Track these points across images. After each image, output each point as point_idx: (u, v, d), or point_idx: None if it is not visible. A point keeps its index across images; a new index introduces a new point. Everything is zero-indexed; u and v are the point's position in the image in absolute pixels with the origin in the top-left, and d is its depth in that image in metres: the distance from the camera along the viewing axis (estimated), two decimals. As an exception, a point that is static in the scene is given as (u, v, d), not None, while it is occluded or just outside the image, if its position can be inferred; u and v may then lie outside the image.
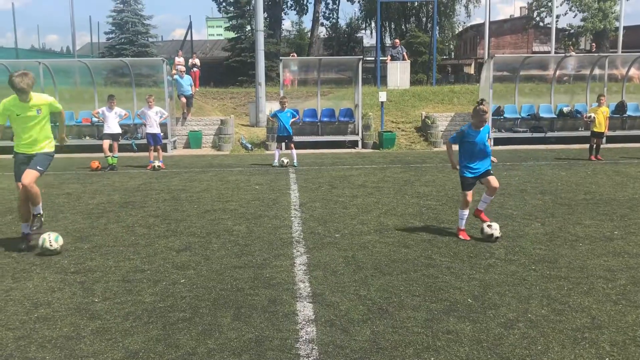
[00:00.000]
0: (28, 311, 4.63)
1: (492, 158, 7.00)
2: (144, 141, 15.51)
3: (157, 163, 13.81)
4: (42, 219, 6.86)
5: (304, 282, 5.27)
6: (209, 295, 4.94)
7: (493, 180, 6.83)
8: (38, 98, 6.41)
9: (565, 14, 37.89)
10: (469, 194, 6.83)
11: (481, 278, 5.33)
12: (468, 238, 6.77)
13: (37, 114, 6.38)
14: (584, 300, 4.75)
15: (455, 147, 7.03)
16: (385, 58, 26.98)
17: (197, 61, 27.18)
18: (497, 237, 6.57)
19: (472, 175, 6.80)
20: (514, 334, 4.10)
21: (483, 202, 7.03)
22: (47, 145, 6.61)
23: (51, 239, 6.24)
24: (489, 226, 6.64)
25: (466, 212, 6.88)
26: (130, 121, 17.87)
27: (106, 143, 13.85)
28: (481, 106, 6.63)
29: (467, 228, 6.99)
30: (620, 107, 19.91)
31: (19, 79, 6.08)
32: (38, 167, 6.43)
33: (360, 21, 50.28)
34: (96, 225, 7.71)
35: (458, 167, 6.92)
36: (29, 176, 6.33)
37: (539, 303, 4.69)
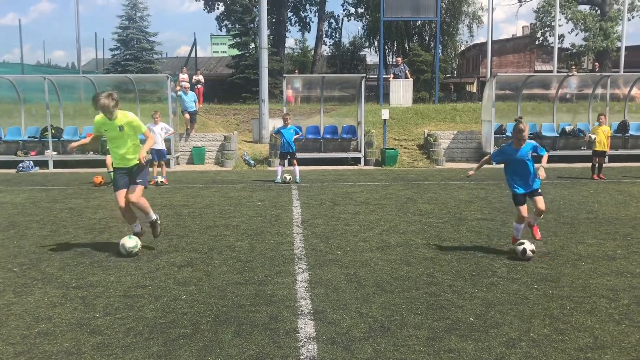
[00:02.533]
0: (29, 326, 4.63)
1: (541, 172, 6.76)
2: (148, 156, 15.56)
3: (160, 179, 13.85)
4: (159, 221, 7.32)
5: (305, 299, 5.26)
6: (210, 312, 4.93)
7: (539, 202, 6.85)
8: (122, 115, 6.81)
9: (570, 33, 38.03)
10: (522, 209, 6.83)
11: (483, 296, 5.32)
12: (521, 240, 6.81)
13: (120, 131, 6.79)
14: (587, 319, 4.73)
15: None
16: (388, 76, 27.14)
17: (201, 78, 27.37)
18: (528, 255, 6.53)
19: (521, 192, 6.84)
20: (516, 353, 4.07)
21: (533, 222, 7.17)
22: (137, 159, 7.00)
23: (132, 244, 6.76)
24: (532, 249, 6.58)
25: (521, 225, 6.93)
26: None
27: (109, 158, 13.88)
28: (519, 125, 6.69)
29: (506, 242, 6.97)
30: (623, 127, 19.96)
31: (102, 101, 6.52)
32: (138, 181, 6.97)
33: (363, 39, 50.69)
34: (98, 240, 7.71)
35: (471, 174, 7.12)
36: (136, 193, 6.93)
37: (541, 322, 4.67)
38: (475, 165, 7.21)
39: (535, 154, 6.85)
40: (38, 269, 6.27)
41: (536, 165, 6.86)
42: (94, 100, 6.58)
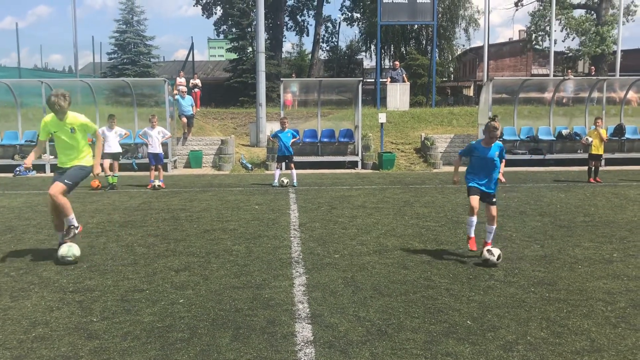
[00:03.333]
0: (26, 330, 4.62)
1: (500, 177, 6.99)
2: (145, 160, 15.57)
3: (157, 182, 13.83)
4: (76, 231, 6.93)
5: (302, 303, 5.26)
6: (207, 316, 4.93)
7: (493, 209, 6.84)
8: (73, 117, 6.78)
9: (564, 40, 38.15)
10: (473, 198, 6.80)
11: (480, 300, 5.33)
12: (475, 249, 6.81)
13: (71, 133, 6.74)
14: (584, 323, 4.74)
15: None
16: (385, 80, 27.20)
17: (198, 81, 27.39)
18: (493, 263, 6.47)
19: (476, 186, 6.81)
20: (513, 357, 4.08)
21: (488, 233, 6.93)
22: (83, 160, 6.93)
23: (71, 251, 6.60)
24: (488, 251, 6.56)
25: (473, 219, 6.92)
26: (131, 140, 17.95)
27: (107, 162, 13.87)
28: (492, 122, 6.66)
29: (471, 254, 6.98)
30: (619, 130, 20.03)
31: (54, 98, 6.49)
32: (66, 181, 6.76)
33: (360, 43, 50.70)
34: (95, 245, 7.70)
35: (456, 180, 7.01)
36: (55, 188, 6.70)
37: (538, 325, 4.68)
38: (455, 173, 7.18)
39: (499, 157, 6.84)
40: (35, 274, 6.26)
41: (501, 173, 7.04)
42: (47, 100, 6.59)
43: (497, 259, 6.45)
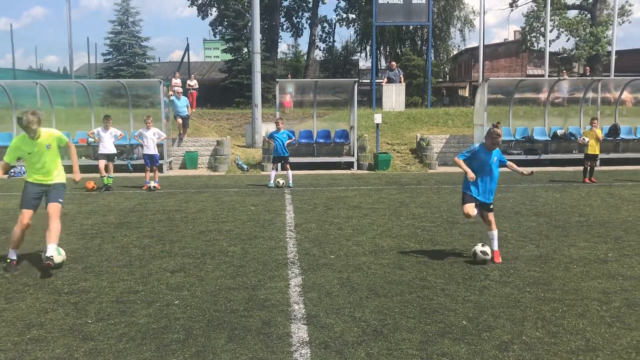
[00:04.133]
0: (20, 332, 4.60)
1: (524, 170, 6.99)
2: (140, 161, 15.53)
3: (152, 184, 13.80)
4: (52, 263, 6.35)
5: (298, 303, 5.26)
6: (203, 317, 4.92)
7: (490, 215, 6.80)
8: (46, 134, 6.52)
9: (554, 41, 38.08)
10: (467, 207, 6.72)
11: (476, 300, 5.33)
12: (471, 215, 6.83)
13: (47, 149, 6.53)
14: (579, 322, 4.75)
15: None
16: (381, 80, 27.23)
17: (194, 82, 27.36)
18: (482, 260, 6.52)
19: (474, 195, 6.74)
20: (508, 356, 4.09)
21: (491, 239, 6.84)
22: (59, 176, 6.75)
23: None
24: (483, 252, 6.57)
25: (471, 220, 6.88)
26: (126, 141, 17.91)
27: (102, 163, 13.83)
28: (495, 129, 6.63)
29: (462, 249, 6.99)
30: (614, 130, 20.10)
31: (26, 117, 6.22)
32: (59, 200, 6.64)
33: (355, 44, 50.75)
34: (90, 246, 7.68)
35: (473, 175, 6.75)
36: (55, 209, 6.56)
37: (533, 325, 4.69)
38: (467, 169, 7.13)
39: (499, 161, 6.81)
40: (29, 275, 6.24)
41: (521, 168, 7.03)
42: (18, 120, 6.32)
43: (484, 254, 6.54)
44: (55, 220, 6.52)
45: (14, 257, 6.54)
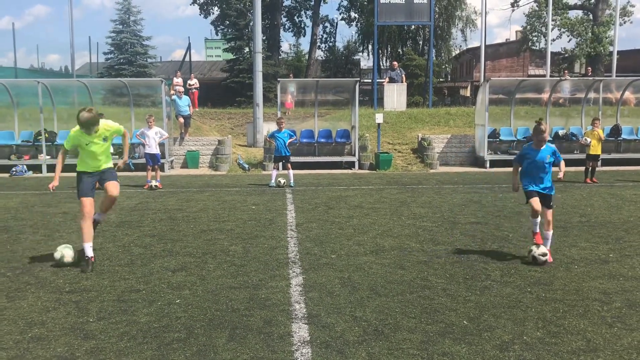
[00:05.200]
0: (22, 331, 4.61)
1: (561, 175, 7.05)
2: (142, 160, 15.54)
3: (154, 183, 13.81)
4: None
5: (299, 303, 5.26)
6: (204, 316, 4.93)
7: (549, 214, 6.82)
8: (104, 126, 6.62)
9: (554, 40, 37.96)
10: (534, 201, 6.76)
11: (477, 300, 5.33)
12: (541, 242, 6.84)
13: (104, 142, 6.67)
14: (580, 322, 4.75)
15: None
16: (383, 80, 27.22)
17: (195, 81, 27.38)
18: (534, 258, 6.52)
19: (535, 189, 6.81)
20: (509, 357, 4.09)
21: (545, 239, 6.84)
22: (108, 162, 6.89)
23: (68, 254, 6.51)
24: (538, 248, 6.59)
25: (537, 220, 6.94)
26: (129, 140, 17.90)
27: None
28: (539, 125, 6.69)
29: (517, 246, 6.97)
30: (615, 131, 20.09)
31: (86, 114, 6.30)
32: (116, 179, 6.86)
33: (357, 44, 50.78)
34: (92, 245, 7.67)
35: (517, 187, 6.84)
36: (116, 187, 6.79)
37: (534, 325, 4.69)
38: (514, 180, 7.12)
39: (553, 160, 6.84)
40: (31, 274, 6.25)
41: (554, 169, 7.01)
42: (77, 116, 6.32)
43: (543, 256, 6.53)
44: (115, 196, 6.77)
45: (91, 254, 6.51)
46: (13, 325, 4.74)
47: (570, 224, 9.08)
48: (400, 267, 6.50)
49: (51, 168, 17.95)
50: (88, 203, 6.55)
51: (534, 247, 6.65)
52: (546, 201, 6.86)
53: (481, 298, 5.39)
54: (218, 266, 6.55)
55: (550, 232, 6.86)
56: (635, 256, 6.98)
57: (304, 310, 5.07)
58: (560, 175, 7.05)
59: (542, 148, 6.78)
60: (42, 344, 4.33)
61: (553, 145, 6.98)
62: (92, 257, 6.48)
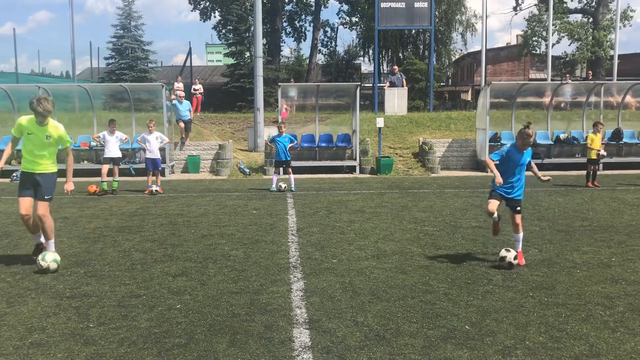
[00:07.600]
0: (22, 336, 4.59)
1: (543, 177, 7.00)
2: (142, 165, 15.53)
3: (154, 187, 13.80)
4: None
5: (300, 308, 5.24)
6: (204, 321, 4.91)
7: (517, 217, 6.83)
8: (53, 126, 6.64)
9: (554, 45, 37.92)
10: (492, 202, 6.77)
11: (479, 304, 5.31)
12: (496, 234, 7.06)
13: (47, 140, 6.62)
14: (582, 327, 4.73)
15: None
16: (383, 84, 27.22)
17: (199, 86, 27.41)
18: (509, 263, 6.50)
19: (502, 193, 6.79)
20: (511, 362, 4.07)
21: (516, 242, 6.90)
22: (50, 166, 6.82)
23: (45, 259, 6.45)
24: (507, 250, 6.60)
25: (495, 217, 6.92)
26: (129, 145, 17.92)
27: (105, 168, 13.86)
28: (527, 129, 6.68)
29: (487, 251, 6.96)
30: (617, 135, 20.07)
31: (43, 105, 6.36)
32: (45, 197, 6.72)
33: (358, 48, 50.85)
34: (92, 250, 7.67)
35: (501, 181, 6.76)
36: (44, 207, 6.65)
37: (536, 330, 4.66)
38: (496, 172, 7.05)
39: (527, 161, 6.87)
40: (31, 279, 6.23)
41: (540, 172, 7.03)
42: (30, 103, 6.39)
43: (512, 260, 6.51)
44: (41, 215, 6.62)
45: (38, 240, 6.82)
46: (13, 330, 4.72)
47: (572, 228, 9.05)
48: (401, 271, 6.48)
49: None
50: (23, 204, 6.64)
51: (504, 251, 6.60)
52: (514, 205, 6.85)
53: (483, 303, 5.37)
54: (219, 271, 6.53)
55: (520, 235, 6.90)
56: (638, 260, 6.96)
57: (305, 315, 5.04)
58: (546, 177, 7.04)
59: (524, 151, 6.76)
60: (42, 350, 4.31)
61: (531, 150, 6.97)
62: (43, 243, 6.85)
